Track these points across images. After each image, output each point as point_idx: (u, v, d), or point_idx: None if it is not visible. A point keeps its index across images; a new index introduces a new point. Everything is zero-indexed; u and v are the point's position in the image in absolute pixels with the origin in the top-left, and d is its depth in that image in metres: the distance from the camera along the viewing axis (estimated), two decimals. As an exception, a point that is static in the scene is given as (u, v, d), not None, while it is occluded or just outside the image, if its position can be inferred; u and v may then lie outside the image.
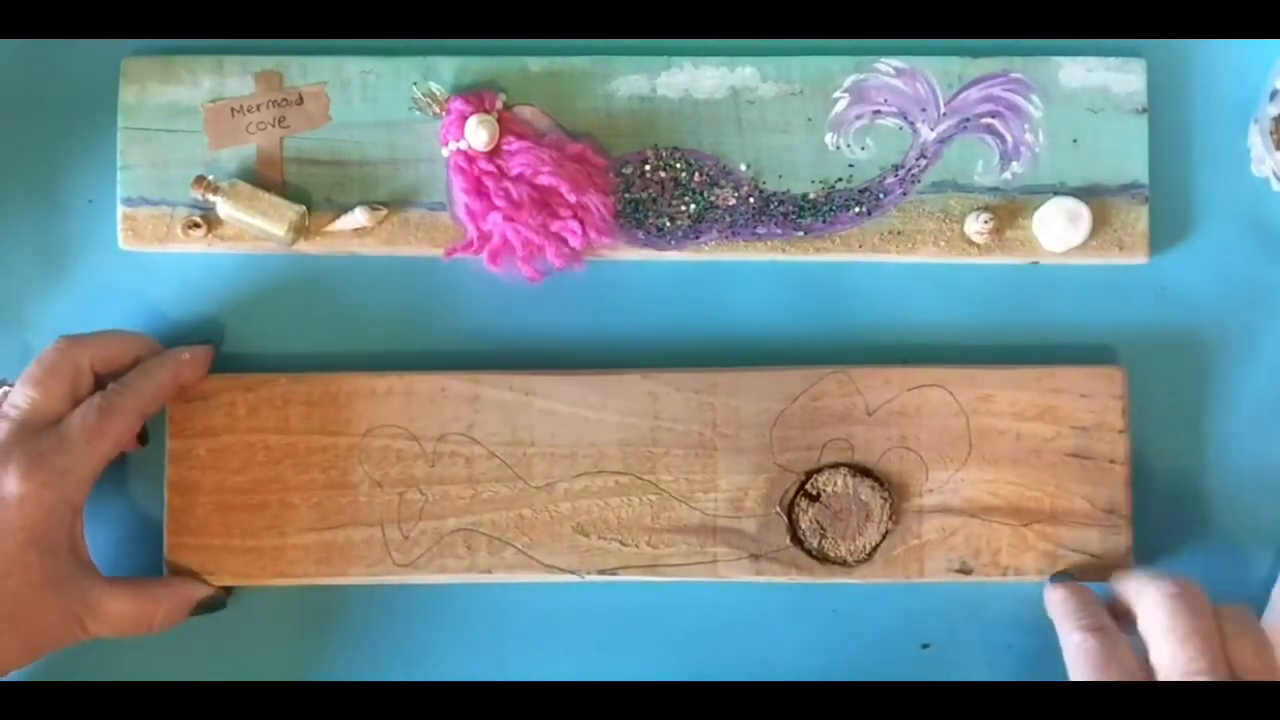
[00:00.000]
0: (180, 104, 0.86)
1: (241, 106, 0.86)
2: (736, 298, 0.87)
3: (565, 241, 0.84)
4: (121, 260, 0.87)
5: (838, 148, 0.86)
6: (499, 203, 0.83)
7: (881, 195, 0.85)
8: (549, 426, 0.84)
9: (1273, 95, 0.84)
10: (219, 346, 0.86)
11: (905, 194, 0.86)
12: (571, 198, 0.83)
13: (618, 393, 0.84)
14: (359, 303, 0.87)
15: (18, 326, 0.87)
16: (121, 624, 0.79)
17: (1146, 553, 0.83)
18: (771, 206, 0.85)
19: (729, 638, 0.86)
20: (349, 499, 0.84)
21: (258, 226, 0.84)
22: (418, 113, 0.86)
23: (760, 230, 0.85)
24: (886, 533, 0.83)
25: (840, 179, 0.86)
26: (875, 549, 0.83)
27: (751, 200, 0.85)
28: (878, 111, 0.86)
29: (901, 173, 0.86)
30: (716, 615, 0.85)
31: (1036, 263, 0.86)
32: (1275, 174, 0.85)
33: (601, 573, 0.83)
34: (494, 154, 0.84)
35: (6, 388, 0.81)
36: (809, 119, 0.86)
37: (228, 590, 0.84)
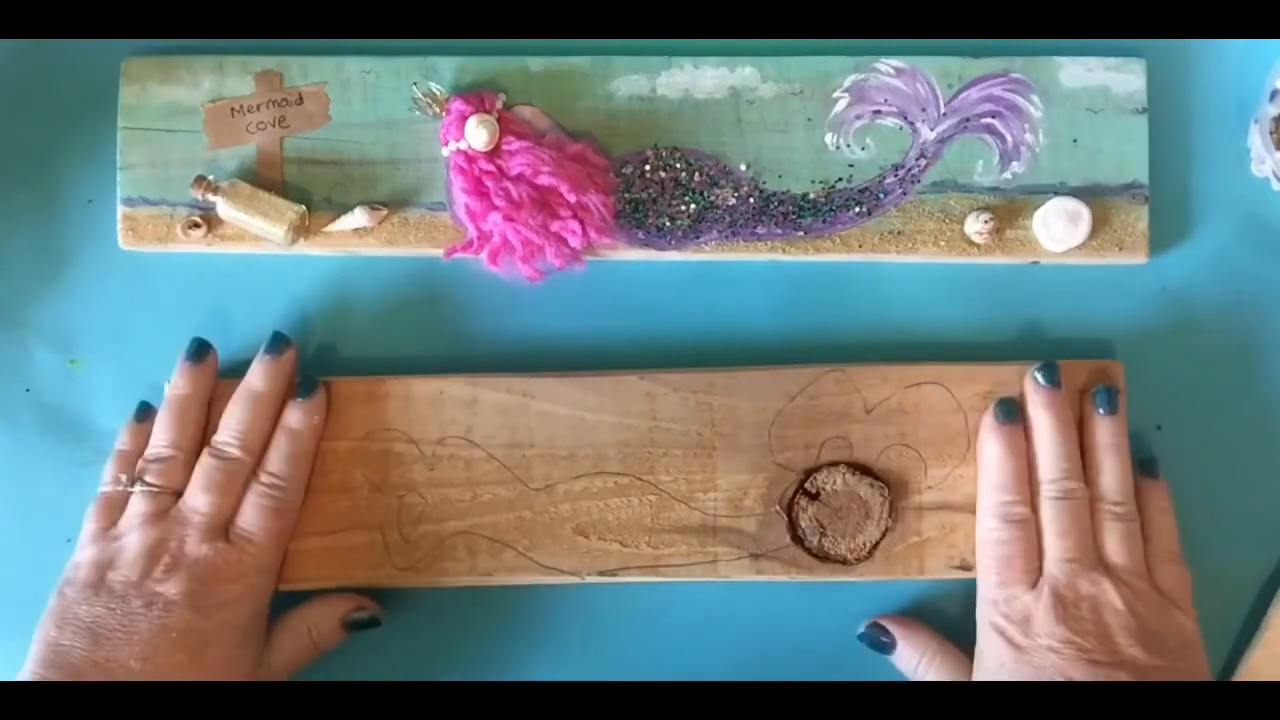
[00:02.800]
0: (180, 104, 0.86)
1: (241, 106, 0.86)
2: (736, 298, 0.87)
3: (565, 241, 0.84)
4: (121, 260, 0.87)
5: (838, 148, 0.86)
6: (499, 203, 0.83)
7: (881, 195, 0.85)
8: (548, 429, 0.84)
9: (1273, 95, 0.84)
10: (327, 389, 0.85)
11: (905, 194, 0.85)
12: (571, 198, 0.83)
13: (616, 394, 0.84)
14: (359, 303, 0.87)
15: (18, 326, 0.87)
16: (293, 666, 0.83)
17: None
18: (771, 206, 0.85)
19: (729, 637, 0.86)
20: (349, 503, 0.84)
21: (258, 226, 0.84)
22: (418, 113, 0.86)
23: (760, 230, 0.85)
24: (886, 530, 0.83)
25: (840, 179, 0.86)
26: (875, 547, 0.83)
27: (751, 200, 0.85)
28: (878, 111, 0.86)
29: (901, 173, 0.85)
30: (716, 614, 0.85)
31: (1036, 262, 0.86)
32: (1275, 174, 0.85)
33: (602, 574, 0.83)
34: (494, 154, 0.84)
35: (144, 485, 0.82)
36: (809, 119, 0.86)
37: (373, 607, 0.84)
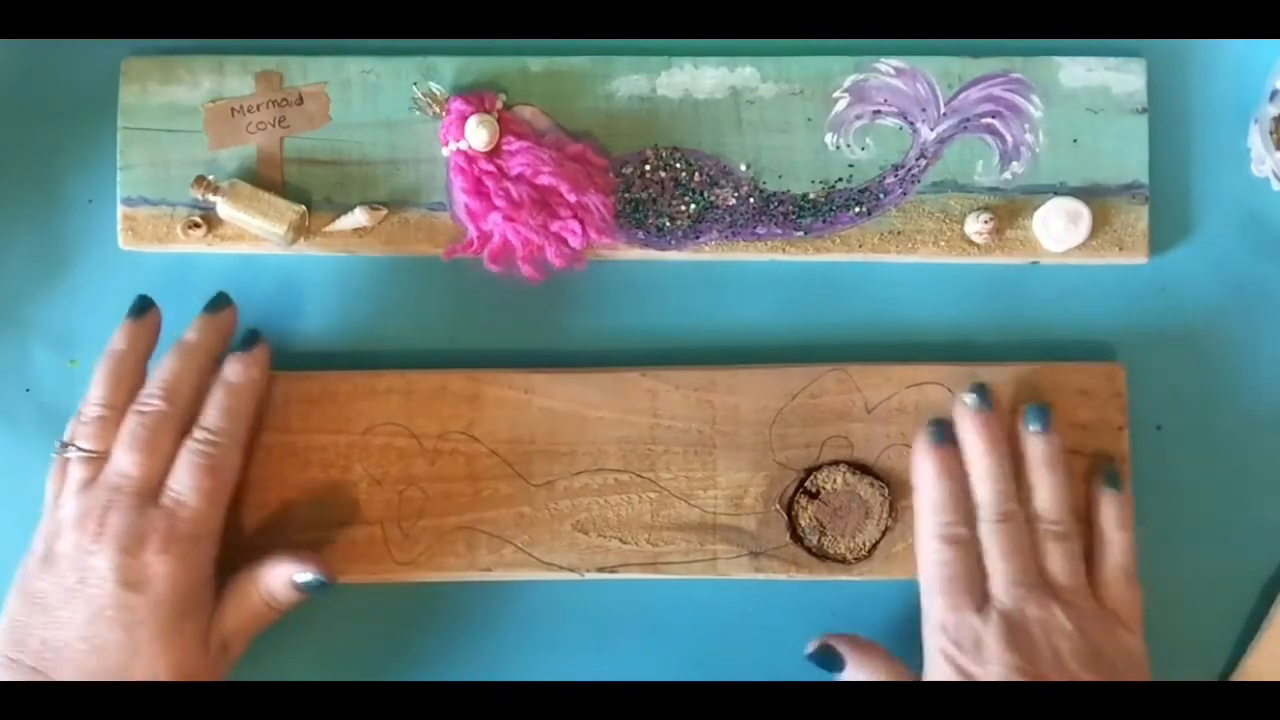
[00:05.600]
0: (180, 104, 0.86)
1: (241, 106, 0.86)
2: (736, 298, 0.87)
3: (565, 241, 0.84)
4: (121, 260, 0.87)
5: (838, 148, 0.86)
6: (499, 203, 0.83)
7: (881, 195, 0.86)
8: (549, 424, 0.84)
9: (1273, 95, 0.84)
10: (269, 344, 0.84)
11: (905, 194, 0.86)
12: (571, 198, 0.83)
13: (617, 391, 0.84)
14: (359, 303, 0.87)
15: (18, 326, 0.87)
16: (249, 631, 0.80)
17: (1146, 549, 0.83)
18: (771, 206, 0.85)
19: (729, 636, 0.85)
20: (349, 497, 0.84)
21: (258, 226, 0.84)
22: (418, 113, 0.86)
23: (760, 230, 0.85)
24: (886, 530, 0.83)
25: (840, 179, 0.86)
26: (875, 546, 0.83)
27: (751, 200, 0.85)
28: (878, 111, 0.86)
29: (901, 173, 0.86)
30: (716, 613, 0.85)
31: (1036, 263, 0.86)
32: (1275, 174, 0.85)
33: (601, 570, 0.83)
34: (494, 154, 0.84)
35: (76, 450, 0.79)
36: (809, 119, 0.86)
37: (319, 567, 0.81)
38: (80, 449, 0.79)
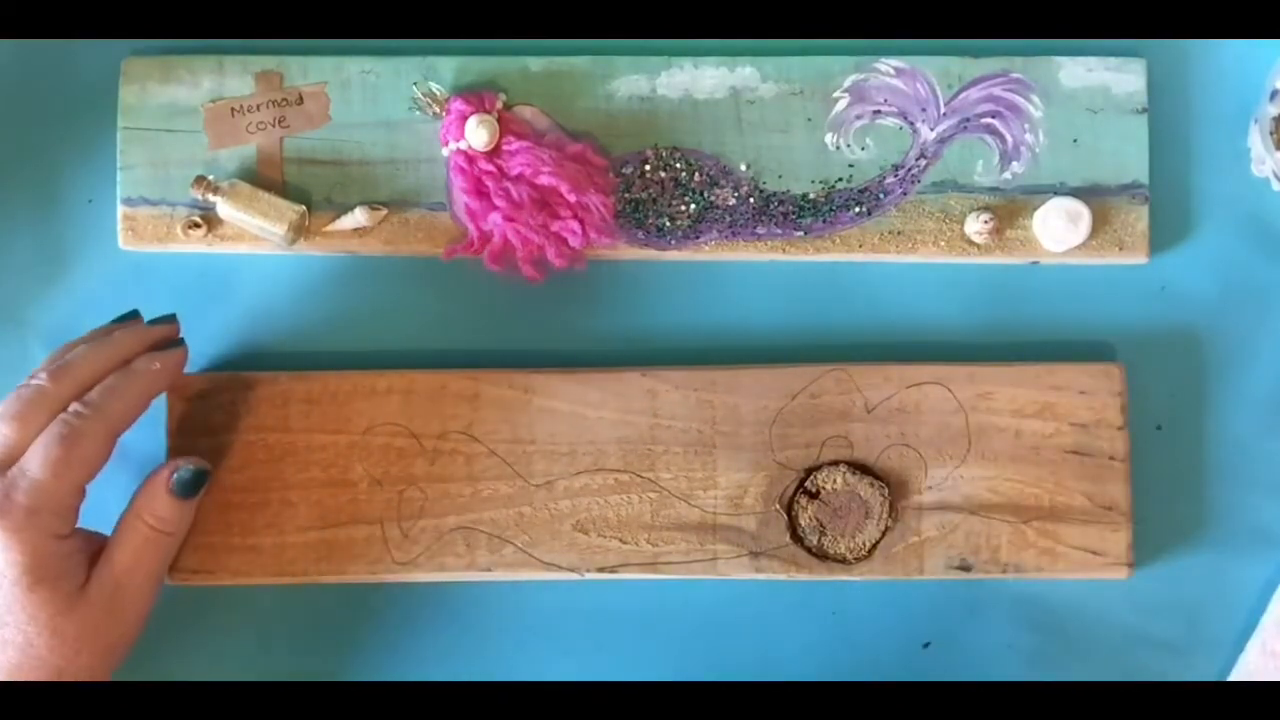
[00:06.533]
0: (180, 104, 0.86)
1: (241, 106, 0.86)
2: (736, 298, 0.87)
3: (565, 241, 0.84)
4: (121, 260, 0.87)
5: (838, 148, 0.86)
6: (499, 203, 0.83)
7: (881, 195, 0.86)
8: (548, 424, 0.84)
9: (1273, 95, 0.84)
10: (188, 350, 0.81)
11: (905, 194, 0.86)
12: (571, 198, 0.83)
13: (617, 390, 0.84)
14: (359, 303, 0.87)
15: (18, 326, 0.87)
16: (148, 568, 0.77)
17: (1146, 549, 0.83)
18: (771, 206, 0.85)
19: (729, 636, 0.85)
20: (349, 497, 0.84)
21: (258, 226, 0.84)
22: (418, 113, 0.86)
23: (760, 230, 0.85)
24: (886, 530, 0.83)
25: (840, 179, 0.86)
26: (875, 546, 0.83)
27: (751, 200, 0.85)
28: (878, 111, 0.86)
29: (901, 173, 0.86)
30: (716, 613, 0.85)
31: (1036, 263, 0.86)
32: (1275, 174, 0.85)
33: (601, 570, 0.83)
34: (494, 154, 0.84)
35: None
36: (809, 119, 0.86)
37: (190, 460, 0.79)
38: None
